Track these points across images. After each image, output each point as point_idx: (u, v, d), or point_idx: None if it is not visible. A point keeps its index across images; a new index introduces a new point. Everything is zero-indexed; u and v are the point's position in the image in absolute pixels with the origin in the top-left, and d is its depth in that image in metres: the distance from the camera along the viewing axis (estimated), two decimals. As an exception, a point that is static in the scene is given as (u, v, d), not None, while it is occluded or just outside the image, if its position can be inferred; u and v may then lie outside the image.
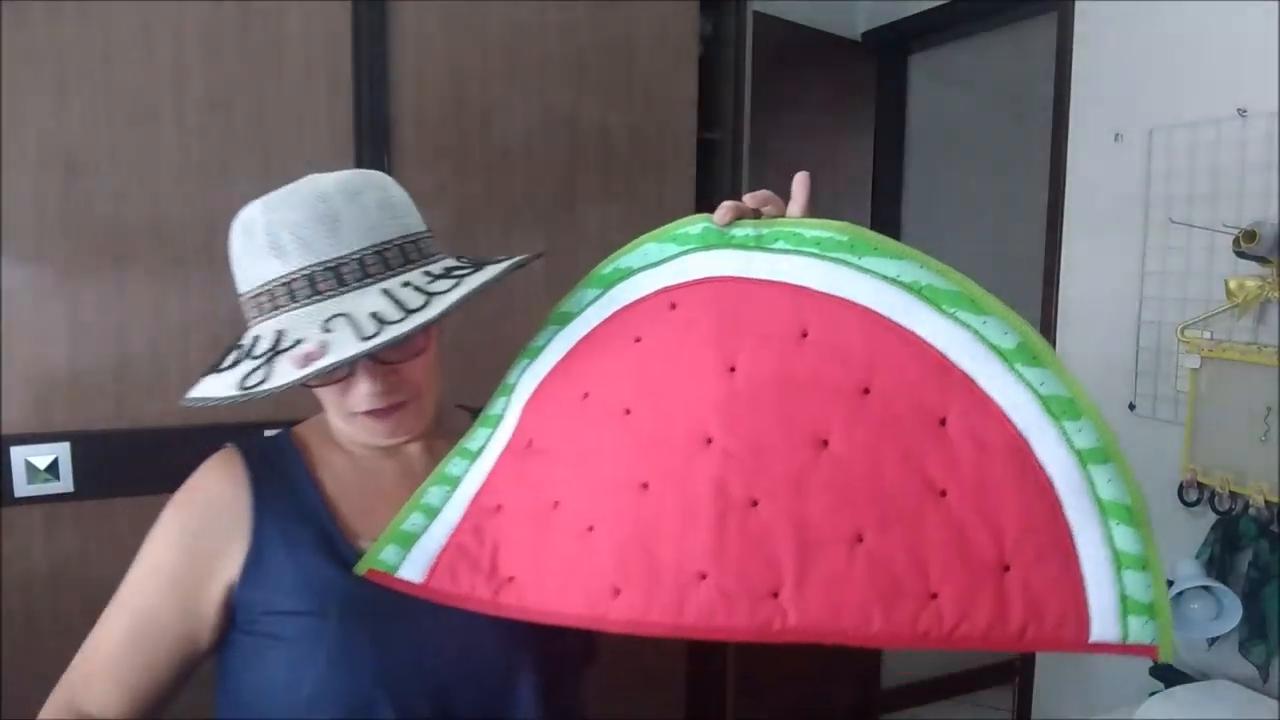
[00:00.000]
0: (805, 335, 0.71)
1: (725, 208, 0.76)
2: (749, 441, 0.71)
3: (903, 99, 3.18)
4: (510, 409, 0.85)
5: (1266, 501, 1.79)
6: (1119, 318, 2.16)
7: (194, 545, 0.84)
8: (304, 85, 1.67)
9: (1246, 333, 1.86)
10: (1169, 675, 1.92)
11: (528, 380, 0.84)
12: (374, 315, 0.74)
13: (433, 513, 0.83)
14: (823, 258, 0.71)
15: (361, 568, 0.81)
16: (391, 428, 0.84)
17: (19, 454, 1.51)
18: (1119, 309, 2.16)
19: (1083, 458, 0.64)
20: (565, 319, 0.84)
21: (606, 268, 0.82)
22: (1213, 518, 1.90)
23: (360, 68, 1.71)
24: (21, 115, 1.49)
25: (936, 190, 3.26)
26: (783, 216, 0.75)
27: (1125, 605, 0.64)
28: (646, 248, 0.80)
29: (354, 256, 0.77)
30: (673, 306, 0.77)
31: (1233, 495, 1.87)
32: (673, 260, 0.78)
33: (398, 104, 1.74)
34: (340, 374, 0.79)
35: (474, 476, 0.84)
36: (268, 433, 1.63)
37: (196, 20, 1.59)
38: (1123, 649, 0.64)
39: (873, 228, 0.71)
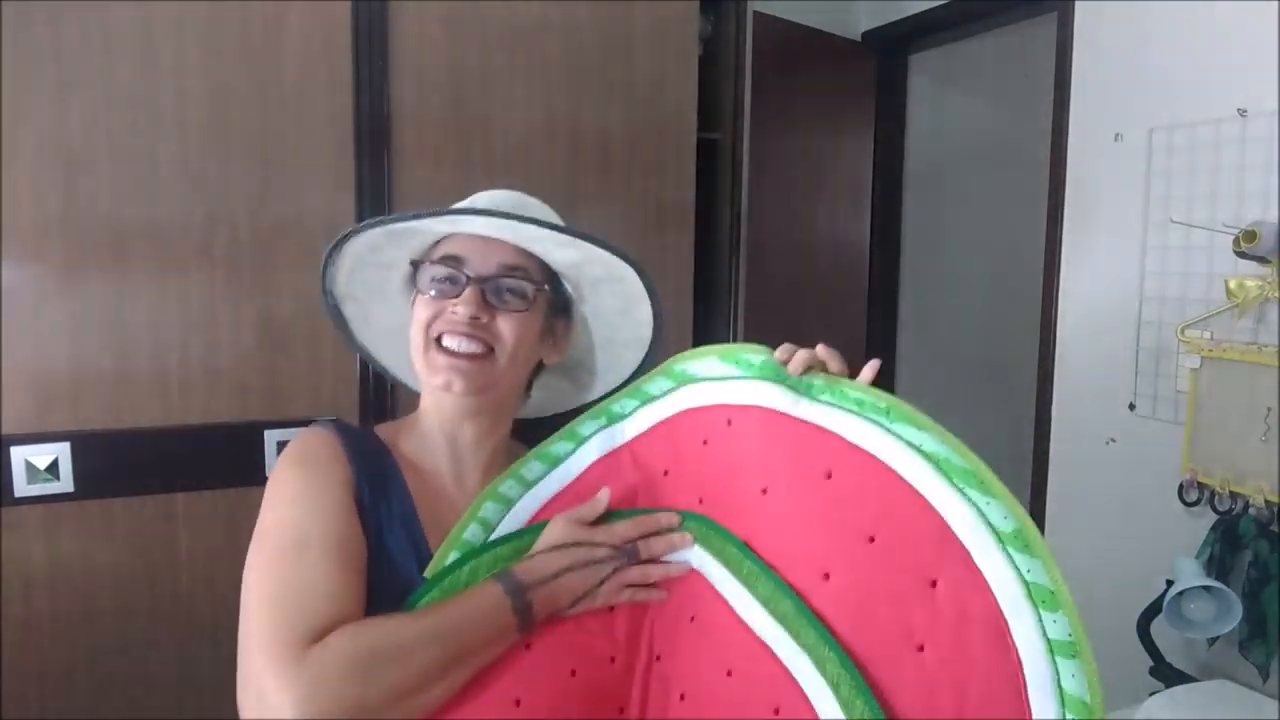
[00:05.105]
0: (829, 476, 0.79)
1: (800, 359, 0.83)
2: (770, 557, 0.81)
3: (903, 99, 3.18)
4: (576, 457, 0.94)
5: (1266, 501, 1.80)
6: (1119, 318, 2.16)
7: (329, 476, 0.84)
8: (304, 85, 1.67)
9: (1246, 333, 1.86)
10: (1169, 675, 1.92)
11: (601, 439, 0.94)
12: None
13: (489, 527, 0.89)
14: (859, 415, 0.79)
15: (430, 571, 0.85)
16: (463, 371, 0.88)
17: (19, 454, 1.52)
18: (1119, 309, 2.16)
19: (1053, 648, 0.67)
20: (647, 397, 0.94)
21: (677, 365, 0.93)
22: (1213, 518, 1.90)
23: (360, 68, 1.71)
24: (21, 115, 1.49)
25: (936, 190, 3.26)
26: (839, 374, 0.83)
27: None
28: (711, 361, 0.90)
29: (527, 218, 0.87)
30: (729, 423, 0.87)
31: (1233, 495, 1.87)
32: (732, 381, 0.87)
33: (398, 104, 1.74)
34: (455, 289, 0.88)
35: (527, 504, 0.92)
36: (277, 433, 1.64)
37: (196, 20, 1.59)
38: None
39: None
